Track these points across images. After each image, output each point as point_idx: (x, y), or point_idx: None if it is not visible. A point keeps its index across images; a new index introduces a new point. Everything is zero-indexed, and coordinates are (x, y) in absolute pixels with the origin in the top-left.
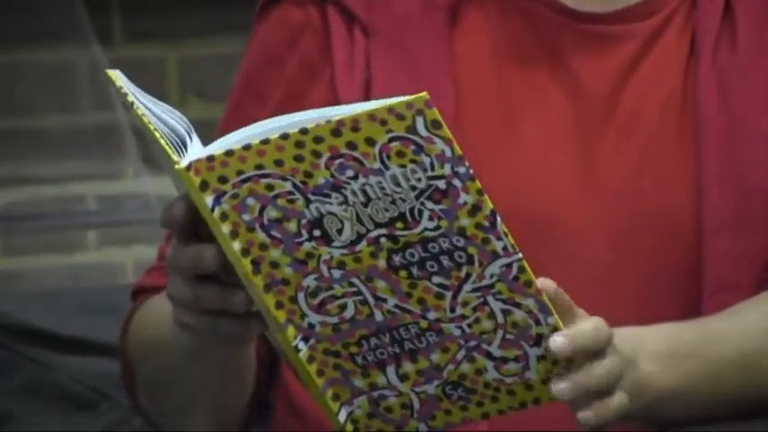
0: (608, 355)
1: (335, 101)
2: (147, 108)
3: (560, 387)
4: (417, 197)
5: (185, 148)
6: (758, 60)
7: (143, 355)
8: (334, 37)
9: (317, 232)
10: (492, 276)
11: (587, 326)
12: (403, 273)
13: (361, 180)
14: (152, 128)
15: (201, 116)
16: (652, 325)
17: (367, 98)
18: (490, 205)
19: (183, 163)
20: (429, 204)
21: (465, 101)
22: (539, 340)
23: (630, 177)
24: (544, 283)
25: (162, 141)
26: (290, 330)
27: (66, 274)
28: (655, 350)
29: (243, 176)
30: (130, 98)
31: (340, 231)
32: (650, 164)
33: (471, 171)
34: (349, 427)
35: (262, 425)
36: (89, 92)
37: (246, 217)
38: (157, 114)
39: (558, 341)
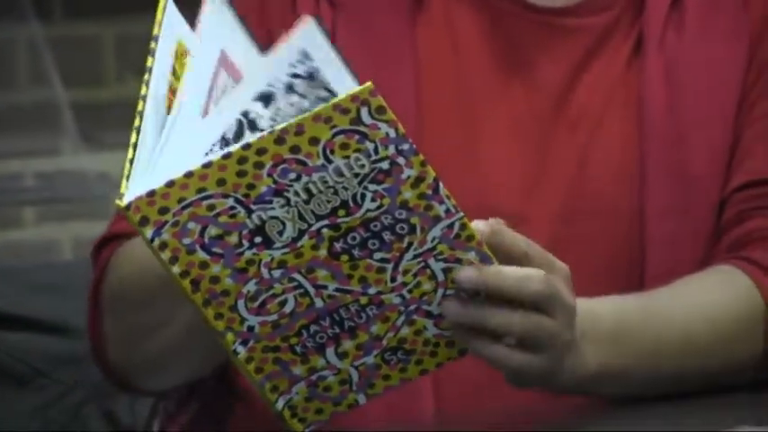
0: (534, 309)
1: None
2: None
3: (448, 304)
4: (360, 182)
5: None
6: (704, 47)
7: (127, 300)
8: (300, 4)
9: (258, 239)
10: (433, 240)
11: (512, 270)
12: (344, 257)
13: (304, 180)
14: (136, 123)
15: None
16: (598, 298)
17: None
18: (432, 173)
19: (123, 202)
20: (372, 187)
21: (424, 86)
22: None
23: (576, 167)
24: (478, 225)
25: (129, 152)
26: (229, 337)
27: (3, 250)
28: (602, 329)
29: (184, 203)
30: (150, 61)
31: (281, 233)
32: (595, 153)
33: (414, 146)
34: (287, 413)
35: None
36: (26, 68)
37: (186, 241)
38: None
39: (463, 272)
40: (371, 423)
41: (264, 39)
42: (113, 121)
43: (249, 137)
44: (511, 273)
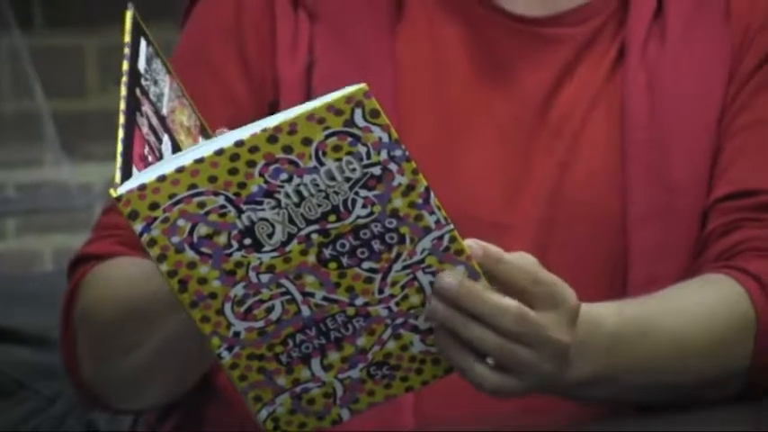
0: (508, 330)
1: (276, 80)
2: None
3: (436, 302)
4: (351, 187)
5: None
6: (685, 58)
7: (97, 322)
8: (279, 17)
9: (247, 241)
10: (423, 251)
11: (489, 297)
12: (332, 264)
13: (296, 181)
14: (120, 121)
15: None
16: (597, 305)
17: (308, 81)
18: (424, 182)
19: (116, 192)
20: (363, 192)
21: (404, 96)
22: None
23: (557, 174)
24: (470, 244)
25: (118, 148)
26: (214, 341)
27: None
28: (600, 339)
29: (174, 199)
30: (126, 64)
31: (271, 235)
32: (577, 161)
33: (407, 152)
34: (269, 425)
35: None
36: (8, 79)
37: (175, 239)
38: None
39: (447, 277)
40: None
41: (238, 50)
42: (96, 133)
43: (242, 133)
44: (487, 299)
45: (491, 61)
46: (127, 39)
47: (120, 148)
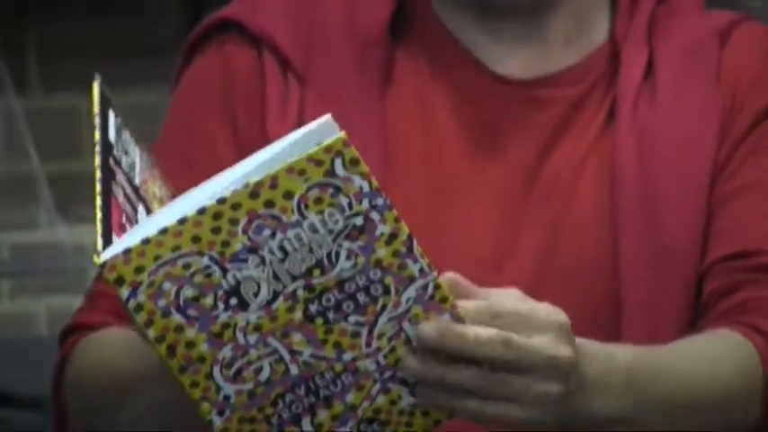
0: (497, 365)
1: (265, 143)
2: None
3: (409, 360)
4: (334, 239)
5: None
6: (676, 119)
7: (83, 392)
8: (269, 81)
9: (233, 301)
10: (408, 301)
11: (471, 332)
12: (319, 320)
13: (279, 237)
14: (97, 189)
15: None
16: (612, 346)
17: None
18: (406, 230)
19: (100, 259)
20: (346, 244)
21: (393, 160)
22: None
23: (548, 237)
24: (447, 275)
25: (97, 215)
26: (205, 407)
27: None
28: (615, 379)
29: (159, 262)
30: (97, 135)
31: (256, 294)
32: (568, 224)
33: (389, 201)
34: None
35: None
36: (3, 140)
37: (161, 303)
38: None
39: (426, 326)
40: None
41: (227, 115)
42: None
43: (224, 191)
44: (468, 336)
45: (481, 124)
46: (96, 110)
47: (99, 215)
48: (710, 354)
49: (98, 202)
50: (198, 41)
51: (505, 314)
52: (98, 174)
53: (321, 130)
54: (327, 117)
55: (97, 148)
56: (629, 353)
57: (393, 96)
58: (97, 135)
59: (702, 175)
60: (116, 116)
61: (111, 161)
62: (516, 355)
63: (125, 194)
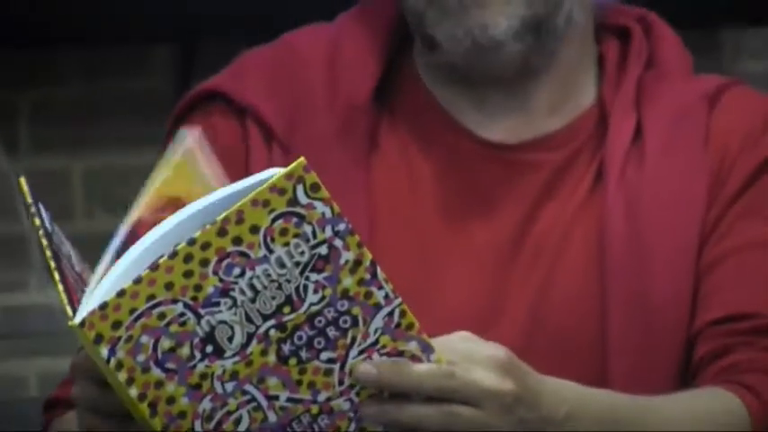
0: (452, 399)
1: None
2: (50, 236)
3: (366, 403)
4: (301, 272)
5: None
6: (664, 182)
7: None
8: (253, 150)
9: (209, 348)
10: (376, 332)
11: (413, 367)
12: (292, 361)
13: (248, 275)
14: (52, 266)
15: (108, 229)
16: (592, 388)
17: None
18: (369, 256)
19: (77, 319)
20: (313, 276)
21: (379, 225)
22: None
23: (535, 300)
24: None
25: (59, 287)
26: None
27: None
28: (591, 414)
29: (135, 314)
30: (37, 222)
31: (231, 339)
32: (555, 287)
33: (350, 225)
34: None
35: None
36: None
37: (141, 358)
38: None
39: (362, 367)
40: None
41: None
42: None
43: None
44: (409, 371)
45: (467, 189)
46: (29, 200)
47: (59, 287)
48: (693, 405)
49: (56, 276)
50: (183, 111)
51: (448, 353)
52: (48, 253)
53: (268, 177)
54: (301, 159)
55: (41, 232)
56: (606, 394)
57: (378, 163)
58: (37, 221)
59: (691, 237)
60: (47, 209)
61: (55, 247)
62: (459, 386)
63: (72, 277)
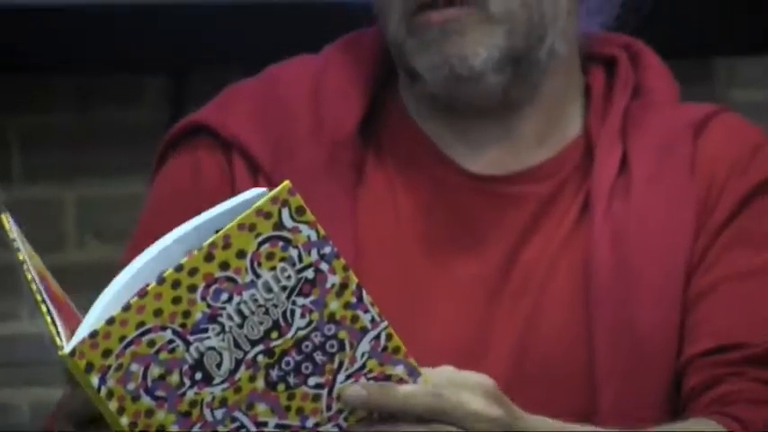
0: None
1: None
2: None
3: (354, 425)
4: (288, 297)
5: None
6: (650, 213)
7: None
8: (239, 184)
9: (198, 375)
10: (363, 356)
11: (398, 389)
12: (281, 386)
13: (236, 300)
14: (39, 299)
15: (100, 257)
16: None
17: None
18: (355, 279)
19: (67, 349)
20: (300, 301)
21: (365, 258)
22: None
23: (521, 332)
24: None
25: (47, 319)
26: None
27: None
28: None
29: (125, 342)
30: (21, 256)
31: (219, 365)
32: (541, 318)
33: (336, 249)
34: None
35: None
36: None
37: (131, 386)
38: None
39: (350, 389)
40: None
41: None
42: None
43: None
44: (396, 392)
45: (453, 222)
46: (12, 236)
47: (47, 319)
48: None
49: (43, 308)
50: (169, 145)
51: (435, 377)
52: (34, 286)
53: (255, 197)
54: (262, 190)
55: (26, 266)
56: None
57: (365, 195)
58: (21, 255)
59: (678, 267)
60: (28, 243)
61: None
62: (445, 406)
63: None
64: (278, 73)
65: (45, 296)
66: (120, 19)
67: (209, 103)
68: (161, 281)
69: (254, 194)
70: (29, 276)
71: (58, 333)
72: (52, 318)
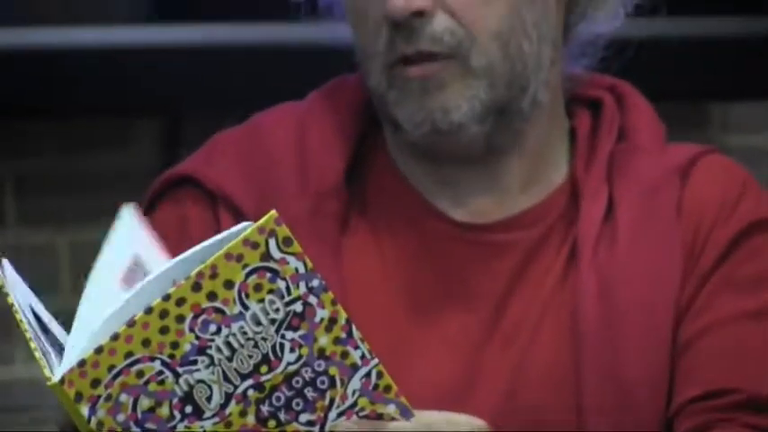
0: None
1: None
2: (24, 312)
3: None
4: (277, 330)
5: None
6: (637, 259)
7: None
8: (224, 229)
9: (188, 408)
10: (354, 393)
11: (391, 425)
12: (271, 423)
13: (224, 332)
14: (28, 336)
15: None
16: None
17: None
18: (344, 314)
19: (56, 377)
20: (288, 335)
21: (352, 310)
22: None
23: (509, 381)
24: None
25: (36, 354)
26: None
27: None
28: None
29: (114, 372)
30: (10, 299)
31: (209, 399)
32: (529, 366)
33: (324, 282)
34: None
35: None
36: None
37: (121, 417)
38: (39, 318)
39: (341, 426)
40: None
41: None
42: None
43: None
44: (393, 424)
45: (439, 271)
46: (6, 289)
47: (37, 355)
48: None
49: (32, 345)
50: (155, 196)
51: (427, 419)
52: (24, 325)
53: (241, 229)
54: (247, 223)
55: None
56: None
57: (350, 246)
58: (10, 300)
59: (665, 316)
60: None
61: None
62: None
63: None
64: (262, 121)
65: (33, 334)
66: (115, 62)
67: (194, 152)
68: (149, 310)
69: (240, 228)
70: (18, 317)
71: (48, 365)
72: (42, 352)
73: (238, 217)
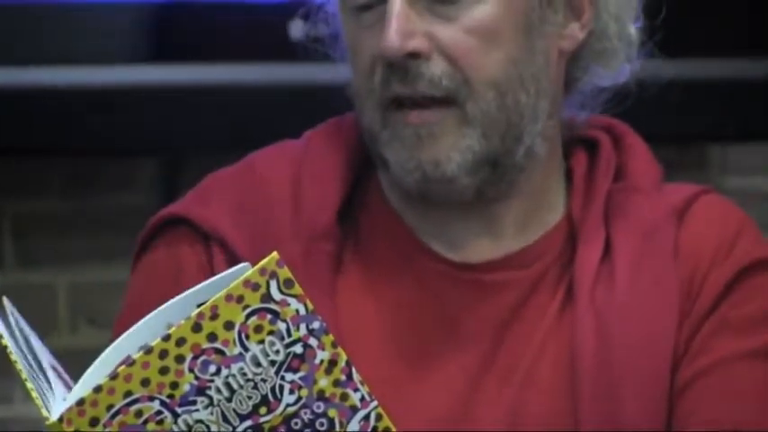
0: None
1: None
2: (23, 352)
3: None
4: (277, 372)
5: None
6: (634, 300)
7: None
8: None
9: None
10: None
11: None
12: None
13: (224, 373)
14: (24, 377)
15: (93, 343)
16: None
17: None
18: (345, 356)
19: (54, 417)
20: (288, 376)
21: (347, 353)
22: None
23: (506, 421)
24: None
25: (33, 395)
26: None
27: None
28: None
29: (113, 411)
30: (5, 342)
31: None
32: (526, 407)
33: (324, 324)
34: None
35: None
36: None
37: None
38: (37, 361)
39: None
40: None
41: None
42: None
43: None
44: None
45: (434, 312)
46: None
47: (33, 395)
48: None
49: (29, 385)
50: (149, 237)
51: None
52: (20, 366)
53: (238, 272)
54: (245, 264)
55: (9, 348)
56: None
57: (343, 287)
58: (3, 341)
59: (663, 359)
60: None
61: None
62: None
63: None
64: (257, 160)
65: (30, 374)
66: (115, 104)
67: (188, 192)
68: (148, 350)
69: (238, 269)
70: (12, 357)
71: (45, 405)
72: (39, 392)
73: (232, 258)
